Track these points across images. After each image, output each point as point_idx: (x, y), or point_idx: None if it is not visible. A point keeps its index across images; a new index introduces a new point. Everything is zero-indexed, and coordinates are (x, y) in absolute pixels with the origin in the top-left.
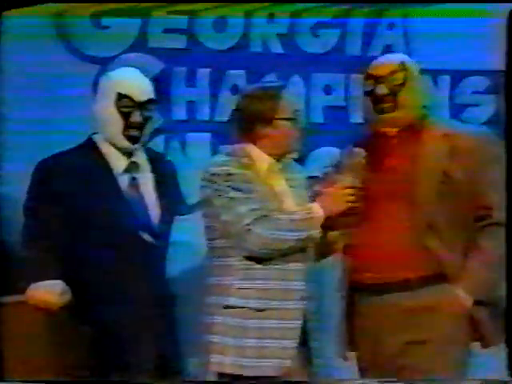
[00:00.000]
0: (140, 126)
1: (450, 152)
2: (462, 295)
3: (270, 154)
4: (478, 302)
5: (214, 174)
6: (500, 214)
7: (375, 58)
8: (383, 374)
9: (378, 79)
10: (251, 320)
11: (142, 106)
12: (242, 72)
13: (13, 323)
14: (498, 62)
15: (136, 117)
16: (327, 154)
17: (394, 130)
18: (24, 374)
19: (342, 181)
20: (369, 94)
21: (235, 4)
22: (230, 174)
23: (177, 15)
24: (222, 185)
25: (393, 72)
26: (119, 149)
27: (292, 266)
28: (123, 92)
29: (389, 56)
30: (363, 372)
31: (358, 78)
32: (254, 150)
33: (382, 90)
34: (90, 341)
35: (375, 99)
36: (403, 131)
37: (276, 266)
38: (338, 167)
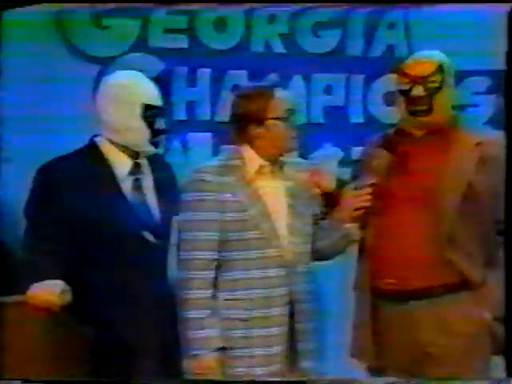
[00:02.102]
0: (164, 131)
1: (478, 163)
2: (480, 311)
3: (264, 155)
4: (496, 318)
5: (188, 182)
6: None
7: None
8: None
9: (415, 79)
10: (238, 330)
11: (162, 111)
12: (243, 72)
13: (13, 323)
14: (498, 63)
15: (161, 124)
16: (327, 154)
17: (421, 132)
18: (24, 374)
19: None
20: (403, 93)
21: (236, 4)
22: (203, 181)
23: (177, 15)
24: (189, 196)
25: (432, 73)
26: (124, 151)
27: (272, 272)
28: (152, 103)
29: (427, 54)
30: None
31: (358, 78)
32: (247, 152)
33: (418, 91)
34: (91, 341)
35: (410, 100)
36: (431, 134)
37: (257, 276)
38: (357, 166)
